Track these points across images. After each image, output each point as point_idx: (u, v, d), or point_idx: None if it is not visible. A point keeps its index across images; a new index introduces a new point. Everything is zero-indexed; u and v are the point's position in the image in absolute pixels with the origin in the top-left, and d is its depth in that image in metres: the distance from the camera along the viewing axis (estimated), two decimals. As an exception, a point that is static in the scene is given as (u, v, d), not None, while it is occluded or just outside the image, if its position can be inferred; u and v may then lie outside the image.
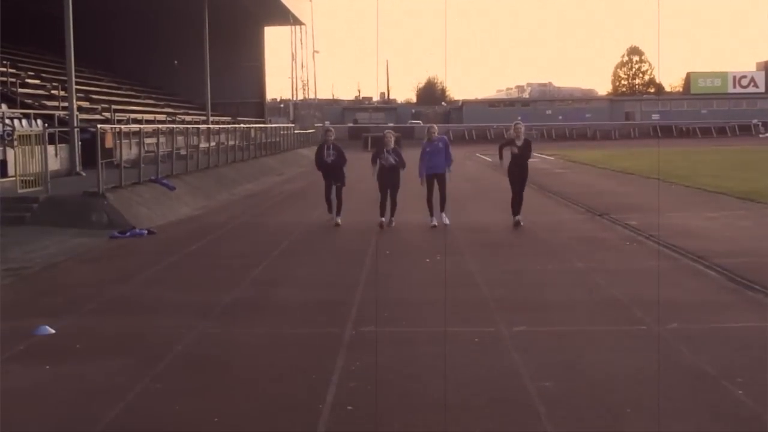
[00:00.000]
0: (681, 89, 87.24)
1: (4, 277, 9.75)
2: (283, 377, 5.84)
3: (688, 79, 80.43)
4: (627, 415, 4.95)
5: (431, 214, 13.67)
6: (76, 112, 20.99)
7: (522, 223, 13.43)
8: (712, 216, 14.38)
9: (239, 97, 44.12)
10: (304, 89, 54.52)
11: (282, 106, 68.34)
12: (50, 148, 17.08)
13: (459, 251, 11.27)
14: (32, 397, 5.50)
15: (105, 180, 15.26)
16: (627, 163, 29.82)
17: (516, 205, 13.69)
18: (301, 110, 55.24)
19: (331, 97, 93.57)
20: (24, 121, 21.40)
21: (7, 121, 20.31)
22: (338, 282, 9.35)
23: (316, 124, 50.91)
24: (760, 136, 63.14)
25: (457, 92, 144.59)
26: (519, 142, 13.47)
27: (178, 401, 5.33)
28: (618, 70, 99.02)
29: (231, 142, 28.03)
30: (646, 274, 9.16)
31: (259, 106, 47.88)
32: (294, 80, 53.51)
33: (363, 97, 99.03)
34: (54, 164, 18.03)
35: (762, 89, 76.67)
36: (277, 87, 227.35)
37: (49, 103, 25.66)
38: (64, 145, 20.10)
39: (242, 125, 33.04)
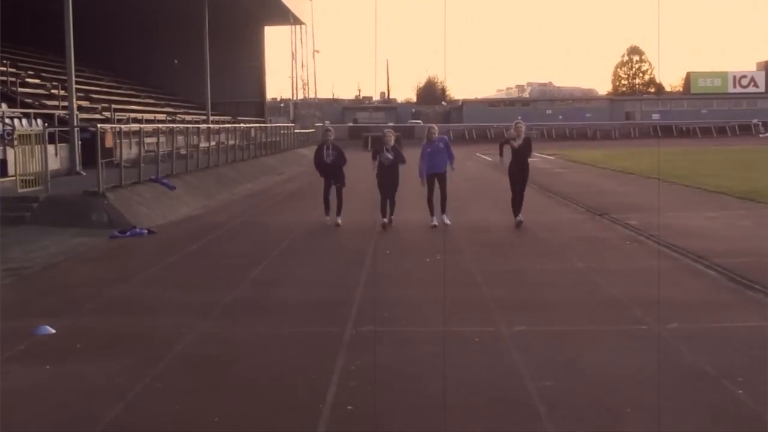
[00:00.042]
0: (681, 89, 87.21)
1: (4, 277, 9.75)
2: (284, 377, 5.84)
3: (688, 78, 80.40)
4: (627, 415, 4.95)
5: (432, 214, 13.67)
6: (76, 112, 20.99)
7: (521, 220, 13.38)
8: (712, 216, 14.38)
9: (239, 97, 44.14)
10: (304, 89, 54.59)
11: (282, 105, 68.34)
12: (50, 148, 17.08)
13: (459, 251, 11.27)
14: (32, 396, 5.50)
15: (105, 179, 15.25)
16: (627, 162, 29.82)
17: (516, 205, 13.64)
18: (301, 110, 55.26)
19: (331, 97, 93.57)
20: (24, 121, 21.40)
21: (7, 120, 20.31)
22: (338, 281, 9.35)
23: (316, 124, 50.92)
24: (760, 135, 63.14)
25: (457, 92, 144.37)
26: (519, 142, 13.41)
27: (179, 401, 5.33)
28: (618, 69, 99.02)
29: (231, 142, 28.04)
30: (646, 273, 9.16)
31: (259, 106, 47.87)
32: (294, 80, 53.59)
33: (363, 97, 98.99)
34: (54, 164, 18.03)
35: (762, 89, 76.63)
36: (277, 86, 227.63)
37: (49, 103, 25.67)
38: (64, 144, 20.10)
39: (242, 125, 33.05)
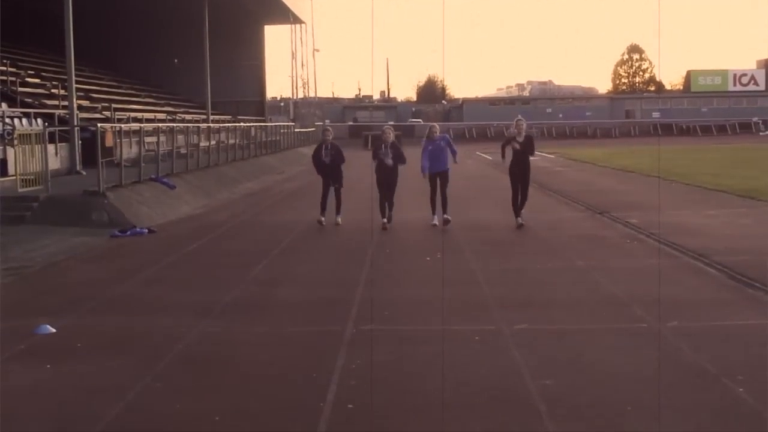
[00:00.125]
0: (681, 87, 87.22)
1: (4, 276, 9.75)
2: (284, 376, 5.85)
3: (689, 77, 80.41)
4: (628, 413, 4.95)
5: (433, 213, 13.62)
6: (76, 111, 20.98)
7: (522, 223, 13.18)
8: (712, 214, 14.38)
9: (239, 96, 44.13)
10: (304, 88, 54.65)
11: (282, 104, 68.35)
12: (50, 147, 17.06)
13: (459, 249, 11.27)
14: (33, 396, 5.51)
15: (105, 179, 15.25)
16: (627, 161, 29.81)
17: (517, 205, 13.40)
18: (301, 109, 55.27)
19: (331, 96, 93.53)
20: (24, 120, 21.40)
21: (8, 120, 20.31)
22: (339, 280, 9.35)
23: (316, 123, 50.90)
24: (761, 134, 63.13)
25: (458, 90, 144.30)
26: (520, 139, 13.17)
27: (179, 400, 5.33)
28: (618, 68, 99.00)
29: (231, 141, 28.04)
30: (646, 271, 9.16)
31: (259, 105, 47.88)
32: (294, 79, 53.66)
33: (363, 96, 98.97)
34: (54, 163, 18.02)
35: (762, 87, 76.59)
36: (277, 85, 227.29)
37: (49, 102, 25.66)
38: (64, 144, 20.09)
39: (242, 124, 33.05)
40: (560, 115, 72.93)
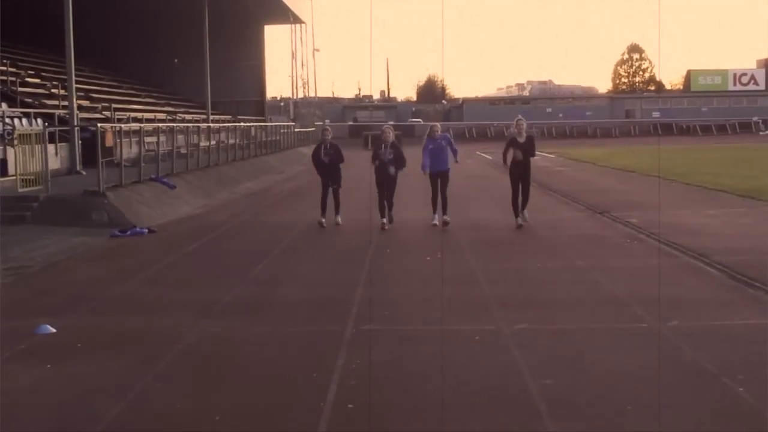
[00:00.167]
0: (681, 87, 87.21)
1: (4, 276, 9.75)
2: (284, 375, 5.85)
3: (689, 76, 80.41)
4: (628, 413, 4.95)
5: (434, 212, 13.58)
6: (76, 111, 20.98)
7: (522, 224, 13.13)
8: (712, 213, 14.38)
9: (239, 96, 44.14)
10: (304, 87, 54.66)
11: (282, 104, 68.36)
12: (50, 147, 17.07)
13: (460, 249, 11.28)
14: (33, 396, 5.51)
15: (105, 179, 15.25)
16: (627, 160, 29.81)
17: (517, 205, 13.30)
18: (301, 108, 55.30)
19: (331, 96, 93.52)
20: (24, 120, 21.40)
21: (8, 120, 20.32)
22: (339, 280, 9.35)
23: (316, 123, 50.93)
24: (761, 133, 63.14)
25: (458, 90, 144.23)
26: (521, 140, 13.12)
27: (179, 400, 5.33)
28: (618, 67, 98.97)
29: (231, 141, 28.04)
30: (646, 271, 9.16)
31: (259, 105, 47.89)
32: (294, 78, 53.68)
33: (363, 96, 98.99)
34: (54, 163, 18.02)
35: (762, 87, 76.60)
36: (277, 85, 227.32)
37: (49, 102, 25.67)
38: (64, 144, 20.09)
39: (242, 124, 33.05)
40: (560, 115, 72.95)
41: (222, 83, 37.14)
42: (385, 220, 13.51)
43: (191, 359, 6.29)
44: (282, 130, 39.63)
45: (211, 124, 29.33)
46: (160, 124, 22.45)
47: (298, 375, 5.80)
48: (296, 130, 44.51)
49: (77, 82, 22.58)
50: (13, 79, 25.79)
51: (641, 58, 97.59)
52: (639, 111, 75.32)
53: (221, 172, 23.56)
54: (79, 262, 11.13)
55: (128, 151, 18.48)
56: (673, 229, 12.19)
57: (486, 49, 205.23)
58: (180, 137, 22.91)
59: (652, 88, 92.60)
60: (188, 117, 33.95)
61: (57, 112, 23.50)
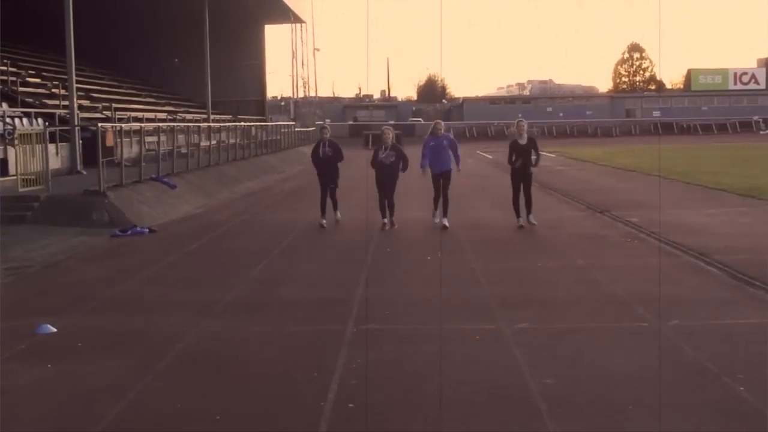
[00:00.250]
0: (682, 86, 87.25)
1: (5, 276, 9.76)
2: (285, 375, 5.85)
3: (689, 75, 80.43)
4: (628, 412, 4.95)
5: (435, 210, 13.52)
6: (76, 111, 20.98)
7: (523, 225, 13.05)
8: (713, 213, 14.38)
9: (240, 95, 44.18)
10: (304, 87, 54.74)
11: (282, 104, 68.42)
12: (51, 147, 17.09)
13: (460, 248, 11.28)
14: (34, 395, 5.51)
15: (106, 178, 15.26)
16: (628, 160, 29.81)
17: (518, 205, 13.23)
18: (301, 108, 55.36)
19: (331, 95, 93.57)
20: (25, 120, 21.43)
21: (8, 119, 20.33)
22: (339, 279, 9.35)
23: (316, 122, 50.98)
24: (761, 132, 63.16)
25: (458, 89, 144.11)
26: (522, 141, 13.07)
27: (180, 399, 5.33)
28: (619, 67, 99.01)
29: (232, 140, 28.04)
30: (647, 270, 9.16)
31: (259, 104, 47.93)
32: (294, 78, 53.81)
33: (364, 95, 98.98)
34: (55, 163, 18.04)
35: (763, 86, 76.65)
36: (277, 85, 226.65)
37: (49, 102, 25.69)
38: (64, 143, 20.11)
39: (243, 123, 33.05)
40: (561, 114, 73.00)
41: (222, 83, 37.17)
42: (385, 220, 13.46)
43: (192, 359, 6.29)
44: (282, 130, 39.66)
45: (212, 124, 29.33)
46: (160, 124, 22.44)
47: (299, 374, 5.81)
48: (296, 129, 44.53)
49: (78, 81, 22.59)
50: (14, 78, 25.81)
51: (642, 58, 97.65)
52: (639, 110, 75.35)
53: (222, 172, 23.56)
54: (80, 261, 11.13)
55: (129, 150, 18.48)
56: (673, 228, 12.19)
57: (486, 48, 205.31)
58: (180, 137, 22.91)
59: (653, 87, 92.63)
60: (189, 116, 33.98)
61: (57, 111, 23.52)
